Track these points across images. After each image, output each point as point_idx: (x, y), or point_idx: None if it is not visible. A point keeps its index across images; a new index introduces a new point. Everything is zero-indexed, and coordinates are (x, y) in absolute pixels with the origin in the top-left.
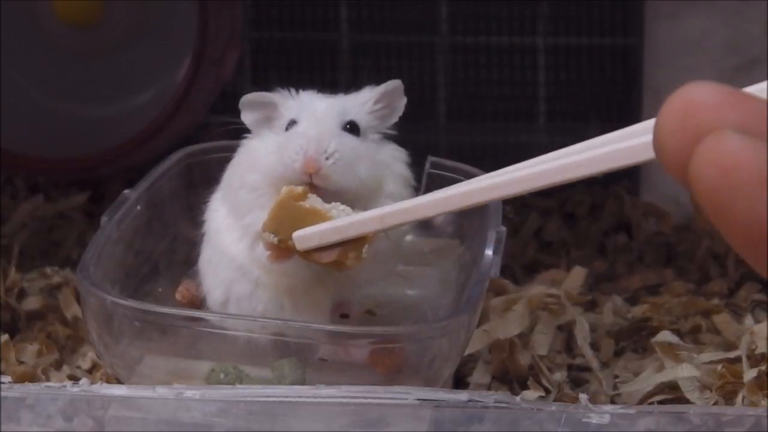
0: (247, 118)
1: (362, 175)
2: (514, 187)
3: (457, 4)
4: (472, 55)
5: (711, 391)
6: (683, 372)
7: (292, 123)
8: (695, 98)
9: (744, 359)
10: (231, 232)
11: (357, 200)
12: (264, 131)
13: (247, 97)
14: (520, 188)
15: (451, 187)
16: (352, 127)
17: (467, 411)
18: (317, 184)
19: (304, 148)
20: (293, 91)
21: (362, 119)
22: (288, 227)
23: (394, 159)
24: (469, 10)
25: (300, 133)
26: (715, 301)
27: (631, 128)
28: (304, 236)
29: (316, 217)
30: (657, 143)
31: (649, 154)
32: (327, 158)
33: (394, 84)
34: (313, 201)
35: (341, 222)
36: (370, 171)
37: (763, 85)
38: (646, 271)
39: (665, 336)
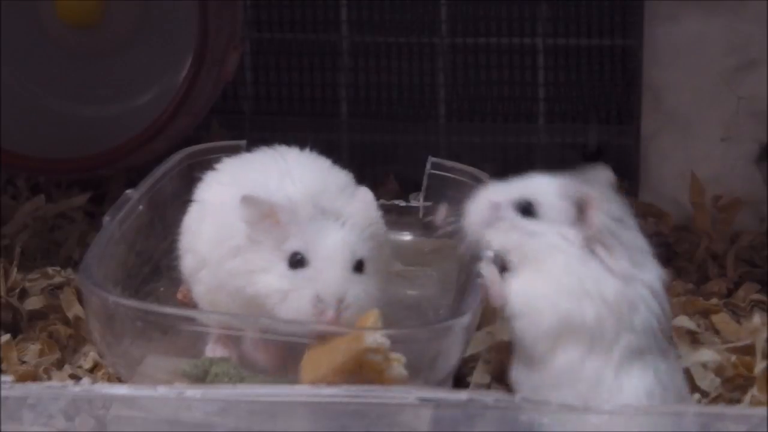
0: (246, 216)
1: (369, 309)
2: None
3: (457, 4)
4: (471, 56)
5: (720, 379)
6: (702, 356)
7: (299, 258)
8: None
9: (758, 352)
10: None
11: None
12: (261, 238)
13: (249, 200)
14: None
15: None
16: (359, 265)
17: (467, 411)
18: None
19: (320, 308)
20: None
21: (366, 248)
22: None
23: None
24: (468, 11)
25: (313, 283)
26: (714, 301)
27: None
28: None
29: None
30: None
31: None
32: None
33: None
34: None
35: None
36: (375, 301)
37: None
38: None
39: (683, 321)
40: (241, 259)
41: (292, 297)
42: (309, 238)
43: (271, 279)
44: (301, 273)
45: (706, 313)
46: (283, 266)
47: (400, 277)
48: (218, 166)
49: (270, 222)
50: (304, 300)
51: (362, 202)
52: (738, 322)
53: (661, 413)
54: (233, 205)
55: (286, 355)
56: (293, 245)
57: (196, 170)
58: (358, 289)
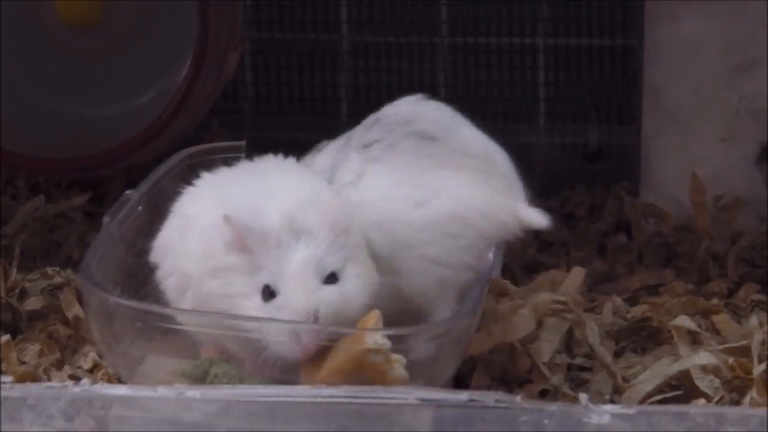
0: (225, 236)
1: (354, 313)
2: None
3: (457, 4)
4: (472, 56)
5: (719, 380)
6: (700, 359)
7: (270, 291)
8: None
9: (755, 354)
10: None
11: None
12: (237, 261)
13: (229, 220)
14: None
15: None
16: (332, 278)
17: (467, 411)
18: None
19: (295, 334)
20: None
21: (337, 259)
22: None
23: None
24: (469, 11)
25: (283, 310)
26: (715, 301)
27: None
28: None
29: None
30: None
31: None
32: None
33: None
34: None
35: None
36: (359, 305)
37: None
38: (645, 271)
39: (684, 321)
40: (222, 281)
41: (268, 331)
42: (276, 267)
43: (249, 311)
44: (272, 303)
45: (706, 314)
46: (258, 299)
47: None
48: (197, 181)
49: (243, 246)
50: (282, 334)
51: (326, 214)
52: (739, 322)
53: (662, 413)
54: (216, 223)
55: (286, 371)
56: (264, 278)
57: (196, 170)
58: (331, 297)
